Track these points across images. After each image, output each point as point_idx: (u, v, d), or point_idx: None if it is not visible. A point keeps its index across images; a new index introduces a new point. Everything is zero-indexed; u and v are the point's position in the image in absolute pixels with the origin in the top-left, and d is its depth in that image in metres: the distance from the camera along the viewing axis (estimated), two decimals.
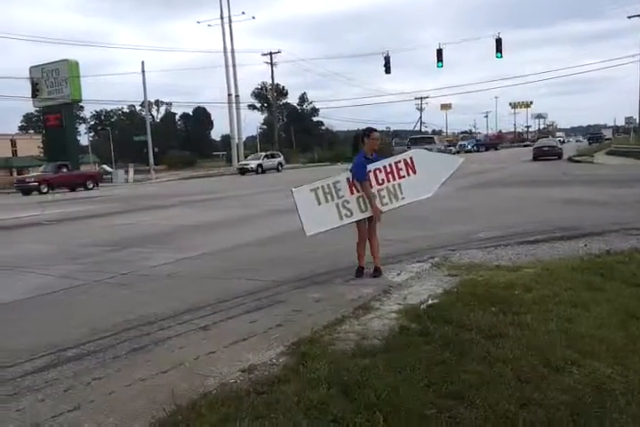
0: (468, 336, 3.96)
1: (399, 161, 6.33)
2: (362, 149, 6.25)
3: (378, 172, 6.28)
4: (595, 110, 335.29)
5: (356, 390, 3.22)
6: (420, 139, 49.70)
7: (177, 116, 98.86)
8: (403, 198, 6.36)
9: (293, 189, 6.36)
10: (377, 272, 6.32)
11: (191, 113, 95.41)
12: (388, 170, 6.30)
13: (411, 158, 6.34)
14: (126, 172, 40.17)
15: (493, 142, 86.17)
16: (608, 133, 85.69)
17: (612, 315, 4.35)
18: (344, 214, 6.24)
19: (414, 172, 6.30)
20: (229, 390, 3.39)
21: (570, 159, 34.65)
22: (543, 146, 36.85)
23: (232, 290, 5.96)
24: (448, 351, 3.71)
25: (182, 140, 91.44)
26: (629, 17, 45.92)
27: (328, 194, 6.23)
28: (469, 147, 77.23)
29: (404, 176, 6.31)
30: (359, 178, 6.14)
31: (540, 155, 35.04)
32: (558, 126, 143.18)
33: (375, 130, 6.36)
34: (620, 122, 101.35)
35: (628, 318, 4.29)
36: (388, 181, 6.30)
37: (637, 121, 56.51)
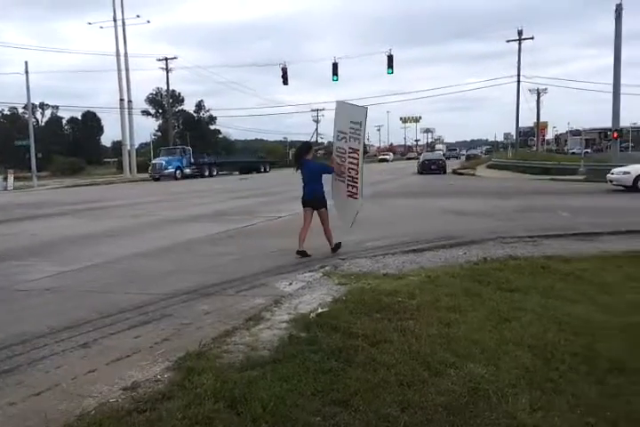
0: (354, 343, 4.07)
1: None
2: (306, 158, 8.16)
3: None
4: (478, 126, 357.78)
5: (243, 402, 3.20)
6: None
7: (64, 121, 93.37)
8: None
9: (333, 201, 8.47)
10: (336, 248, 8.17)
11: (80, 117, 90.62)
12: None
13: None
14: (5, 178, 37.18)
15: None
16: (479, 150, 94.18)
17: (487, 319, 4.66)
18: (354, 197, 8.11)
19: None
20: (109, 409, 3.23)
21: (454, 172, 36.91)
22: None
23: (116, 304, 5.70)
24: (335, 359, 3.79)
25: (70, 145, 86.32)
26: (508, 41, 49.74)
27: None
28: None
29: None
30: (330, 171, 8.21)
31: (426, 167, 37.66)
32: (445, 140, 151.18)
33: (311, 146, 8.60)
34: (500, 137, 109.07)
35: (502, 321, 4.61)
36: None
37: (514, 137, 61.13)
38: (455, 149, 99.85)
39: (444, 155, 53.10)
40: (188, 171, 43.28)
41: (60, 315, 5.41)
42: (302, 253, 7.93)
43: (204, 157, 47.70)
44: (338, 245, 8.26)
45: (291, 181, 10.27)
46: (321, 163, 8.48)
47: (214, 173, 46.41)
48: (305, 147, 8.37)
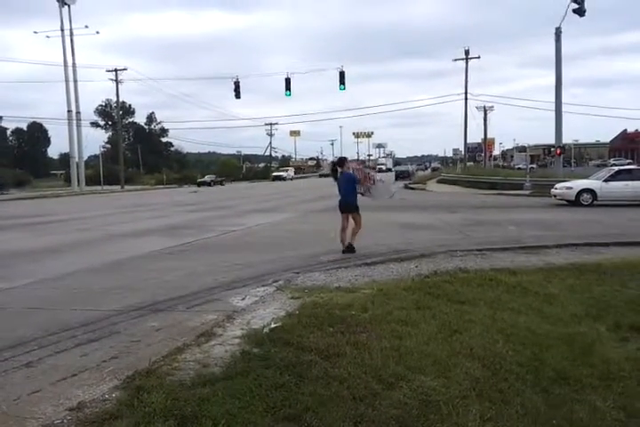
0: (307, 358, 4.05)
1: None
2: (343, 170, 9.82)
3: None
4: (428, 141, 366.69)
5: (194, 420, 3.14)
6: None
7: (9, 132, 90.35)
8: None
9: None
10: (350, 249, 9.43)
11: (25, 129, 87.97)
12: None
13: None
14: None
15: None
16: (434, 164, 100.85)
17: (438, 331, 4.73)
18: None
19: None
20: None
21: (406, 186, 37.65)
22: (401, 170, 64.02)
23: (63, 322, 5.51)
24: (288, 374, 3.77)
25: (15, 157, 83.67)
26: (454, 60, 51.33)
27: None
28: None
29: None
30: (356, 179, 9.75)
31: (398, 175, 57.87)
32: (397, 156, 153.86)
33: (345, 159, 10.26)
34: (449, 153, 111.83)
35: (452, 333, 4.69)
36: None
37: (462, 153, 62.78)
38: (421, 164, 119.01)
39: (416, 168, 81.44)
40: None
41: (3, 333, 5.18)
42: (348, 249, 9.45)
43: None
44: (352, 248, 9.47)
45: None
46: (351, 173, 9.88)
47: None
48: (340, 161, 10.13)
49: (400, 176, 56.86)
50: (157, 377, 3.83)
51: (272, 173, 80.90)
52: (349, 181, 9.69)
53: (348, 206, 9.71)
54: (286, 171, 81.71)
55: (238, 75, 38.44)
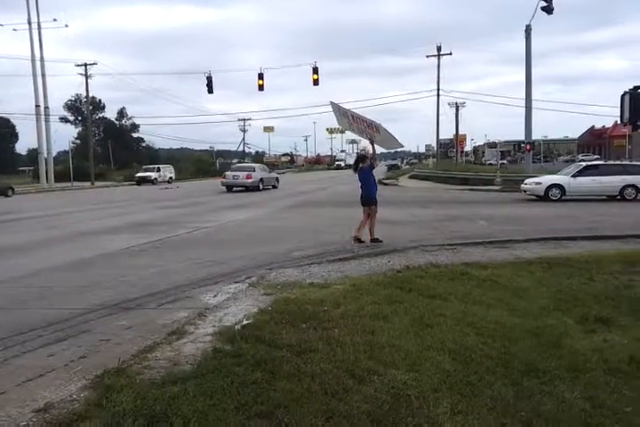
0: (279, 354, 4.04)
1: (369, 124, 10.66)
2: (363, 166, 10.52)
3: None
4: (401, 138, 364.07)
5: (164, 419, 3.10)
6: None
7: None
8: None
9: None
10: (375, 241, 9.99)
11: None
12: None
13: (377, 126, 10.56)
14: None
15: None
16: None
17: (410, 325, 4.77)
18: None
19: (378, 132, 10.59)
20: None
21: (379, 182, 37.84)
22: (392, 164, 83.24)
23: (29, 321, 5.39)
24: (259, 371, 3.75)
25: None
26: (427, 56, 51.63)
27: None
28: None
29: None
30: (372, 168, 10.78)
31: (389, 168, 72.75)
32: (369, 151, 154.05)
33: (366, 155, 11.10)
34: (422, 149, 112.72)
35: (424, 327, 4.73)
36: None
37: (435, 149, 63.44)
38: (399, 158, 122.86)
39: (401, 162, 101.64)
40: None
41: None
42: (358, 240, 10.03)
43: None
44: (377, 240, 10.02)
45: None
46: (368, 166, 10.62)
47: None
48: (360, 157, 11.10)
49: (390, 169, 71.13)
50: (127, 376, 3.77)
51: (137, 173, 50.55)
52: (369, 172, 10.45)
53: (369, 200, 10.39)
54: (157, 170, 50.01)
55: (211, 70, 37.98)
